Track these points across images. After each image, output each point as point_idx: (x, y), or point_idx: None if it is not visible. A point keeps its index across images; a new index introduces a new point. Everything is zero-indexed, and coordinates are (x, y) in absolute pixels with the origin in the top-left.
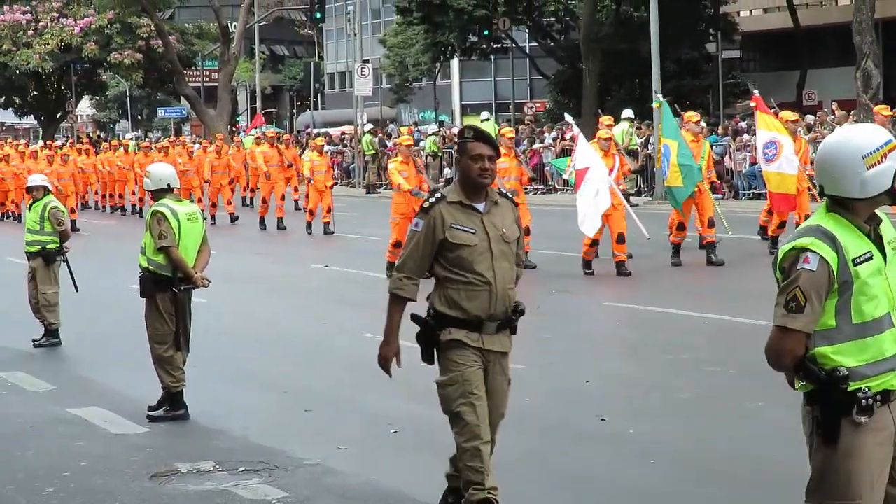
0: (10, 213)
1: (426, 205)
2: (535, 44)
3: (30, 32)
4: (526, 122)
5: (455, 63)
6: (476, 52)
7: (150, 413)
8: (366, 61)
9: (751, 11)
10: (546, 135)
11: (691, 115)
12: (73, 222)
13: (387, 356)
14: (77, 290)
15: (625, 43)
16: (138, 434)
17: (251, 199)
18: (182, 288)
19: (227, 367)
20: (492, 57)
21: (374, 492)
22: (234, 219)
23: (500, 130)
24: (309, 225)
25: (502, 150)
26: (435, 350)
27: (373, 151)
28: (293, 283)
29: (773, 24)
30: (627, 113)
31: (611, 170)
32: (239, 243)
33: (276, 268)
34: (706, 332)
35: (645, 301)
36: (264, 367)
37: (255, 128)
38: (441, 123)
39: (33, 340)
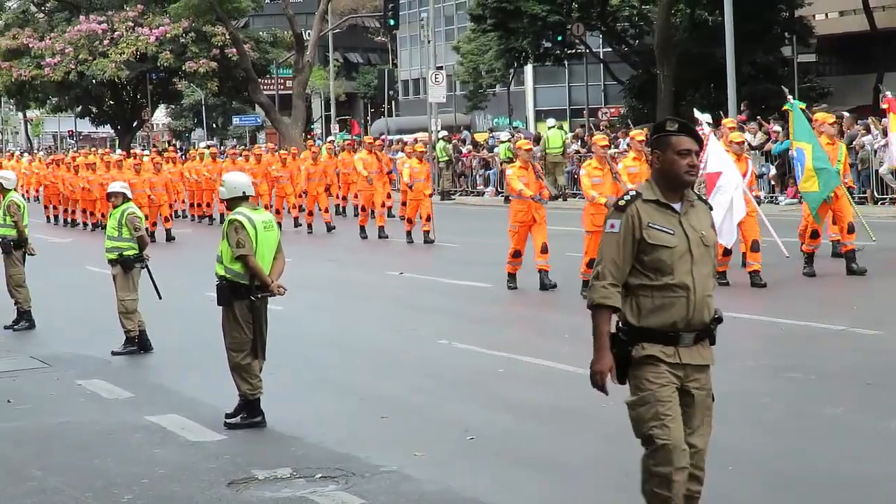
0: (100, 223)
1: (621, 202)
2: (609, 49)
3: (106, 42)
4: (600, 127)
5: (529, 69)
6: (550, 57)
7: (228, 420)
8: (439, 68)
9: (826, 14)
10: (620, 140)
11: (825, 117)
12: (168, 231)
13: (601, 371)
14: (160, 298)
15: (699, 47)
16: (216, 441)
17: (343, 207)
18: (259, 296)
19: (303, 374)
20: (565, 62)
21: (450, 499)
22: (330, 228)
23: (592, 139)
24: (408, 234)
25: (596, 162)
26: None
27: (447, 158)
28: (368, 290)
29: (849, 26)
30: (702, 117)
31: (744, 174)
32: (314, 251)
33: (352, 275)
34: (781, 335)
35: (742, 309)
36: (340, 374)
37: (355, 135)
38: (516, 130)
39: (113, 351)
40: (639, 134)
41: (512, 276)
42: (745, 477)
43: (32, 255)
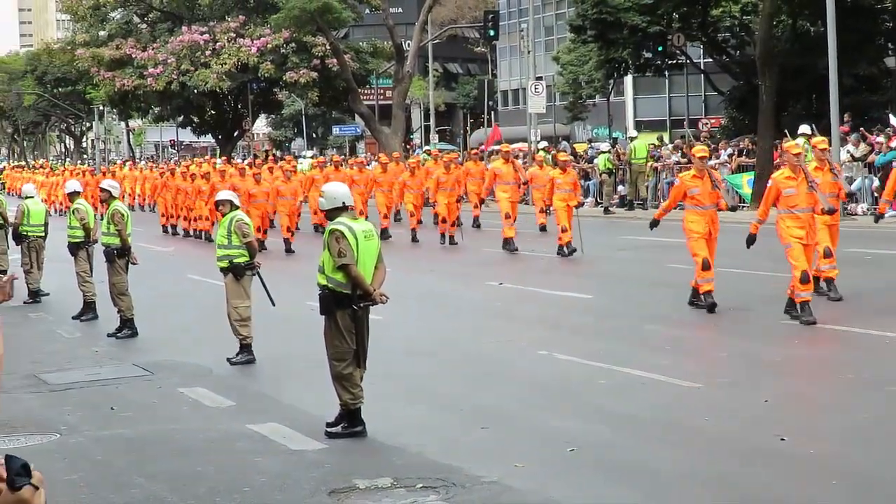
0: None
1: None
2: (710, 59)
3: (208, 53)
4: (701, 138)
5: (629, 79)
6: (650, 68)
7: (329, 429)
8: (539, 79)
9: None
10: (722, 151)
11: None
12: (287, 242)
13: None
14: (273, 305)
15: (801, 58)
16: (317, 450)
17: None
18: (361, 305)
19: (403, 384)
20: (666, 73)
21: None
22: (451, 241)
23: (691, 150)
24: (560, 248)
25: (698, 171)
26: None
27: (609, 167)
28: (468, 300)
29: None
30: (804, 129)
31: (834, 187)
32: (414, 261)
33: (452, 285)
34: (888, 350)
35: (827, 319)
36: (440, 385)
37: (495, 142)
38: (615, 140)
39: (228, 359)
40: (822, 142)
41: (696, 292)
42: (847, 492)
43: (135, 264)
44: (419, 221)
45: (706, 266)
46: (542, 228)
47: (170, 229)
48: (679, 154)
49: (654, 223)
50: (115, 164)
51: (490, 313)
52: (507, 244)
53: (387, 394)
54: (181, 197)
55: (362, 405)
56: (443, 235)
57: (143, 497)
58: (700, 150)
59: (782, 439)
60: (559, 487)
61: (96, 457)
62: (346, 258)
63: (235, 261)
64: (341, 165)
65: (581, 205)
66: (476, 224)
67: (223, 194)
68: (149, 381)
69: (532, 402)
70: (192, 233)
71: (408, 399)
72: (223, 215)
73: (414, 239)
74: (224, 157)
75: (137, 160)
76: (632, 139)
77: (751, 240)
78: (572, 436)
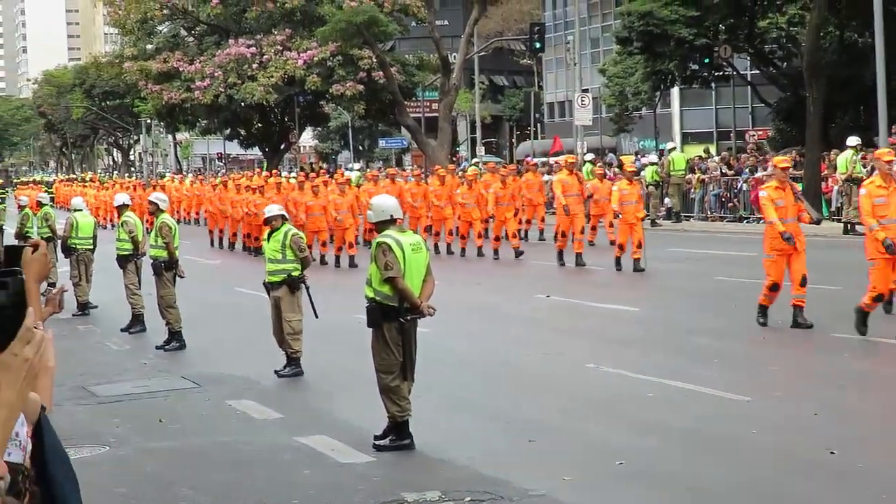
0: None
1: None
2: (757, 71)
3: (254, 66)
4: (748, 150)
5: (675, 91)
6: (697, 80)
7: (377, 442)
8: (585, 91)
9: None
10: (769, 163)
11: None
12: (351, 258)
13: None
14: (317, 317)
15: (849, 69)
16: (364, 463)
17: (526, 231)
18: (408, 318)
19: (451, 396)
20: (713, 85)
21: None
22: (518, 254)
23: (772, 160)
24: (618, 261)
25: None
26: None
27: (656, 180)
28: (516, 312)
29: None
30: (852, 141)
31: None
32: (462, 273)
33: (499, 298)
34: None
35: (877, 332)
36: (488, 397)
37: (555, 152)
38: (661, 153)
39: (276, 371)
40: (887, 154)
41: (763, 310)
42: None
43: (182, 277)
44: (479, 235)
45: (774, 288)
46: (613, 243)
47: (216, 242)
48: (725, 166)
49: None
50: (163, 177)
51: (537, 326)
52: (578, 259)
53: (435, 406)
54: (236, 210)
55: (410, 418)
56: (496, 251)
57: None
58: (782, 161)
59: (832, 452)
60: (607, 501)
61: (145, 469)
62: (393, 271)
63: (293, 274)
64: (397, 178)
65: (645, 217)
66: (542, 237)
67: (273, 209)
68: (197, 393)
69: (580, 415)
70: (244, 247)
71: (456, 412)
72: (274, 230)
73: (479, 254)
74: (272, 171)
75: (185, 173)
76: (670, 151)
77: (890, 246)
78: (620, 449)
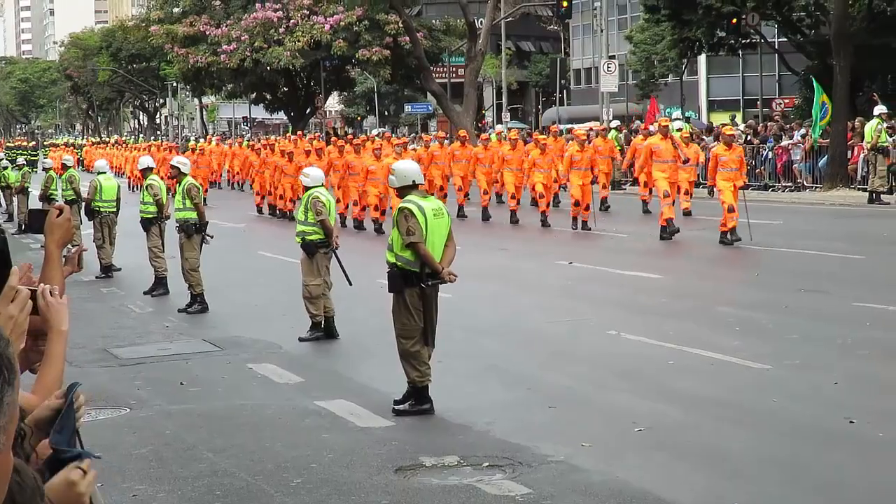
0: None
1: None
2: (784, 39)
3: (281, 30)
4: (774, 118)
5: (702, 59)
6: (724, 47)
7: (396, 407)
8: (612, 57)
9: None
10: (795, 132)
11: None
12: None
13: None
14: (350, 284)
15: (877, 37)
16: (384, 427)
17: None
18: (430, 283)
19: (471, 362)
20: (740, 52)
21: (618, 490)
22: (584, 226)
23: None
24: (724, 234)
25: None
26: None
27: (619, 147)
28: (538, 279)
29: None
30: (879, 109)
31: None
32: (484, 239)
33: (521, 264)
34: None
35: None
36: (508, 364)
37: (657, 115)
38: (688, 120)
39: (300, 337)
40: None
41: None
42: None
43: (209, 241)
44: (549, 204)
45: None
46: (687, 213)
47: (265, 209)
48: (752, 133)
49: None
50: (198, 140)
51: (559, 292)
52: (667, 226)
53: (455, 372)
54: (278, 175)
55: (430, 383)
56: (574, 219)
57: (211, 472)
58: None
59: (851, 421)
60: (626, 468)
61: (165, 431)
62: (415, 236)
63: (308, 238)
64: (445, 142)
65: (746, 186)
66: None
67: (316, 174)
68: (218, 356)
69: (600, 382)
70: (278, 212)
71: (475, 378)
72: (306, 190)
73: (544, 223)
74: (299, 133)
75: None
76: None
77: None
78: (640, 416)
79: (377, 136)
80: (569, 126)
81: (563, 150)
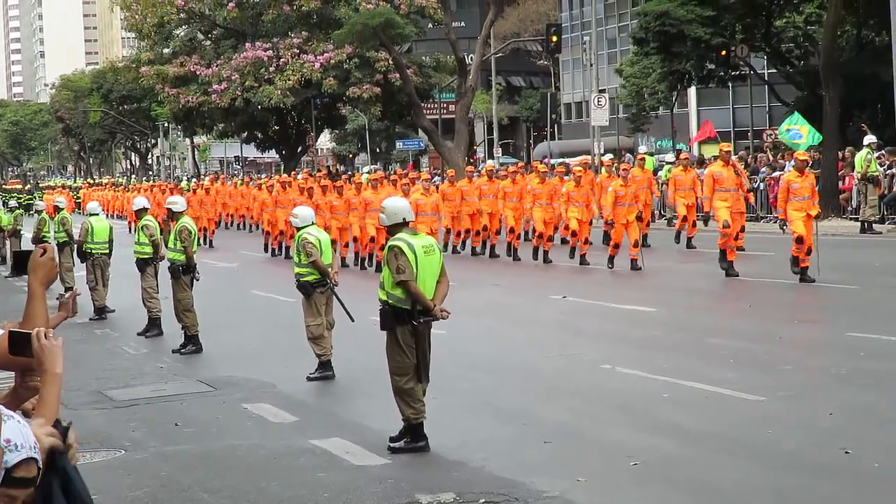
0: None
1: None
2: (774, 70)
3: (271, 69)
4: (764, 149)
5: (692, 91)
6: (714, 79)
7: (392, 444)
8: (602, 91)
9: None
10: (787, 162)
11: None
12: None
13: None
14: (353, 321)
15: (866, 68)
16: (379, 465)
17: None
18: (422, 320)
19: (466, 398)
20: (730, 84)
21: None
22: (635, 267)
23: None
24: (796, 264)
25: None
26: None
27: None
28: (532, 314)
29: None
30: (869, 139)
31: None
32: (477, 275)
33: (515, 299)
34: None
35: (891, 331)
36: (503, 399)
37: (707, 139)
38: (679, 152)
39: (308, 376)
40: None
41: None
42: None
43: (197, 280)
44: (587, 242)
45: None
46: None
47: (281, 251)
48: (743, 165)
49: None
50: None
51: (553, 327)
52: (724, 263)
53: (449, 408)
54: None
55: (425, 420)
56: (573, 250)
57: None
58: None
59: (847, 452)
60: (622, 502)
61: (161, 473)
62: (405, 274)
63: (303, 279)
64: (455, 181)
65: (819, 216)
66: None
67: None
68: (213, 396)
69: (595, 417)
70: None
71: (470, 413)
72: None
73: (583, 262)
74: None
75: (202, 175)
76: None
77: None
78: (635, 450)
79: (368, 171)
80: (559, 161)
81: (562, 186)
